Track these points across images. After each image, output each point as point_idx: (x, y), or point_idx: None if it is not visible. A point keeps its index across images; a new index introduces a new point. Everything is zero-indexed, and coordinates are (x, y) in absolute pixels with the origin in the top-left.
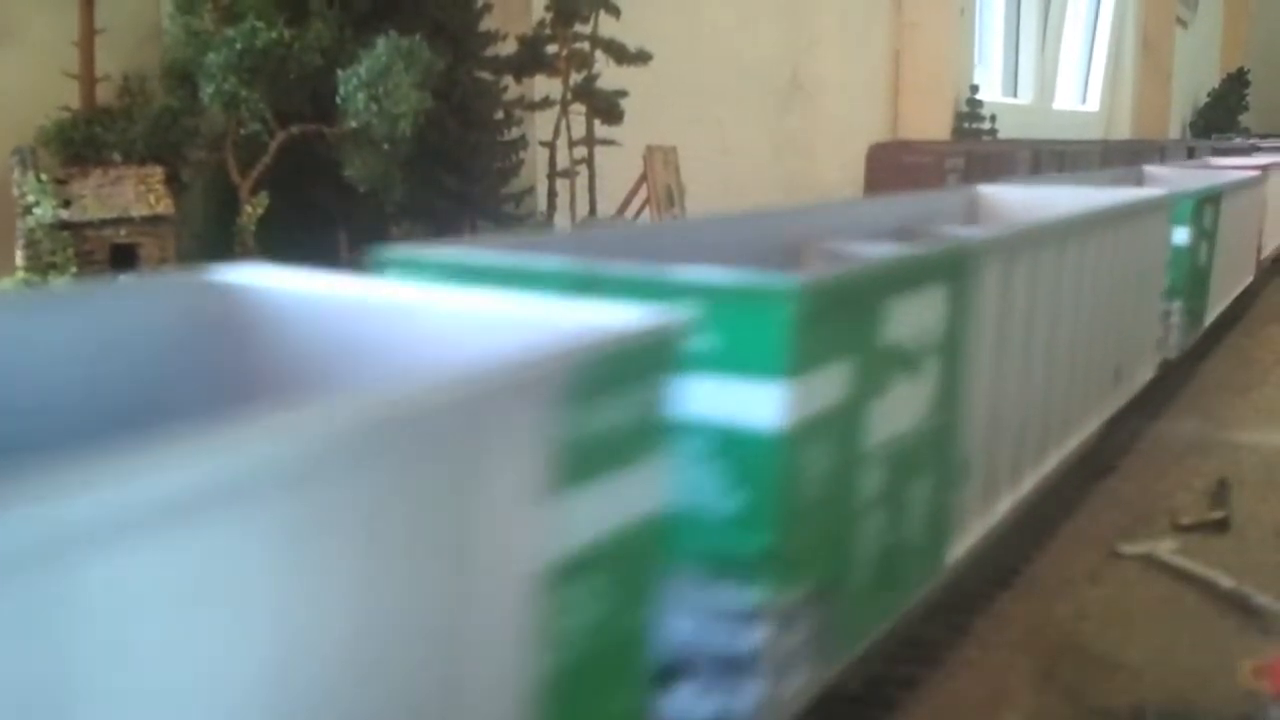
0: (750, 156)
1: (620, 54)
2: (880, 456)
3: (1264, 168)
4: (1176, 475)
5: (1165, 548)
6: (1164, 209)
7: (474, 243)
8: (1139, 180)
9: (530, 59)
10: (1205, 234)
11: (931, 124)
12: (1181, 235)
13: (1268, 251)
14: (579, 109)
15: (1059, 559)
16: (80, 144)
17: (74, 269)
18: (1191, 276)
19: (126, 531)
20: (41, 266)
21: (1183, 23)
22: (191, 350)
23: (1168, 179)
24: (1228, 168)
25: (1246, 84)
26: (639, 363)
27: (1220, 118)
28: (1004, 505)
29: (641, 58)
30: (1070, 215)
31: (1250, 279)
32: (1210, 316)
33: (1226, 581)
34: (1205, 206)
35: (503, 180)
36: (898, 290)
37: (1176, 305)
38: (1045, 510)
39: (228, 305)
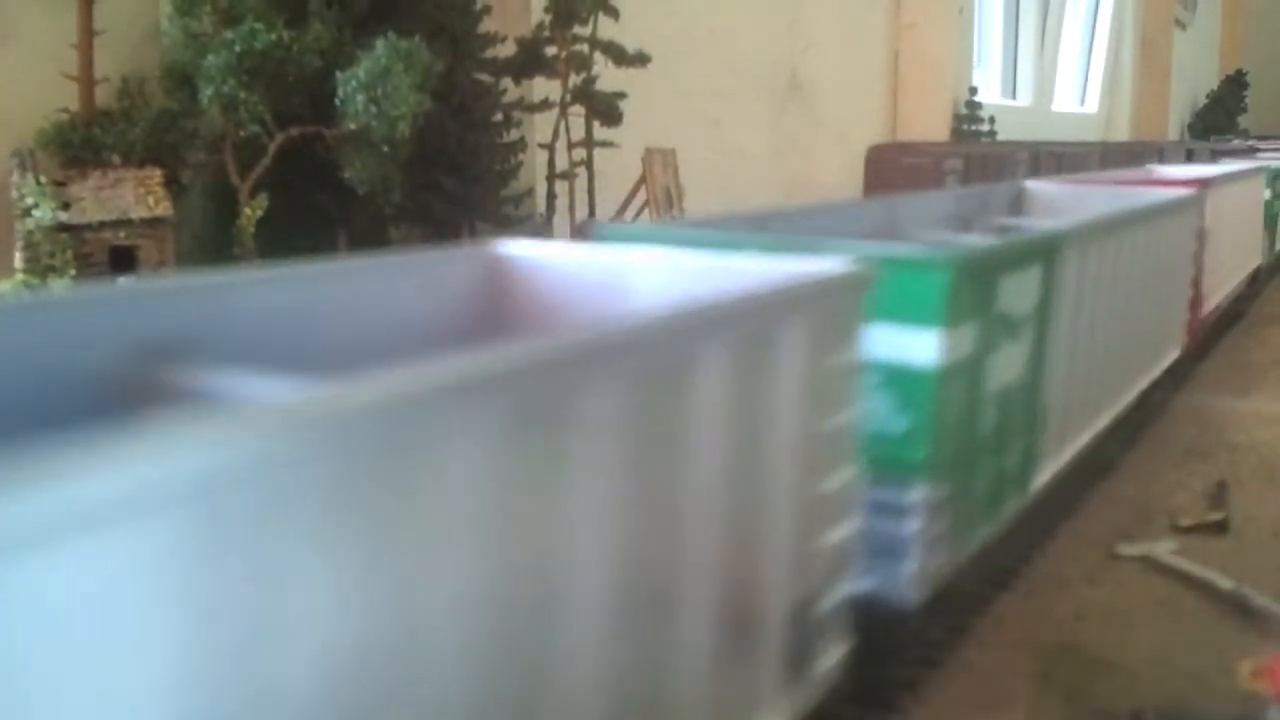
0: (749, 158)
1: (619, 56)
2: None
3: (1205, 182)
4: (1175, 476)
5: (1164, 549)
6: (852, 296)
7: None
8: (1016, 205)
9: (529, 61)
10: (1011, 326)
11: (930, 125)
12: (922, 347)
13: (1214, 301)
14: (578, 111)
15: (1058, 559)
16: (79, 146)
17: (73, 271)
18: (970, 420)
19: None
20: (40, 269)
21: (1181, 24)
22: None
23: (1061, 205)
24: (1164, 182)
25: (1245, 85)
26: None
27: (1219, 119)
28: None
29: (640, 59)
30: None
31: (1176, 354)
32: (1055, 466)
33: (1225, 582)
34: (1002, 276)
35: (502, 182)
36: None
37: (919, 493)
38: (1045, 510)
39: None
